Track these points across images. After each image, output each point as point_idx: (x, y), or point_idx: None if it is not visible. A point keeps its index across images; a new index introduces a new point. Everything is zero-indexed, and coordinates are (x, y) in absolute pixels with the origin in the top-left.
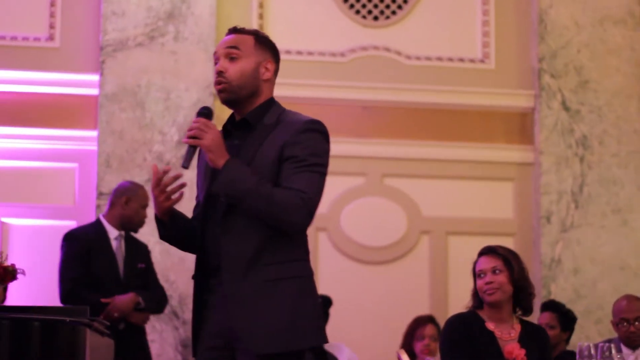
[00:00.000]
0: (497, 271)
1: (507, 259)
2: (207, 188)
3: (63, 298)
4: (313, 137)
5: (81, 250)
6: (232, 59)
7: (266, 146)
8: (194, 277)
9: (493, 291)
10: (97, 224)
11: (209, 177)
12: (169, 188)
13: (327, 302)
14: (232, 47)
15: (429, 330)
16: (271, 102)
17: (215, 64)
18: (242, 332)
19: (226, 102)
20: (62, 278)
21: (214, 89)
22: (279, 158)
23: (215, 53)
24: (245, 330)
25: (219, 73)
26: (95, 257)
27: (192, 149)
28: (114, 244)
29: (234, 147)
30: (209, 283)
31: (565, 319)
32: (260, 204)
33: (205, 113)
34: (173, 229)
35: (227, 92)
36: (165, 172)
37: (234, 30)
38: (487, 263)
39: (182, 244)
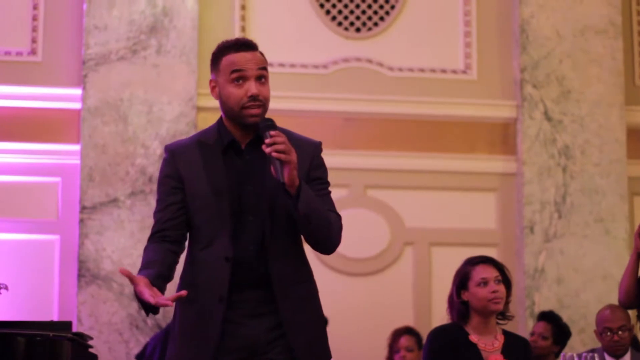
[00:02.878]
0: (498, 281)
1: (503, 269)
2: (232, 203)
3: None
4: (323, 160)
5: None
6: (262, 81)
7: None
8: (200, 296)
9: (499, 300)
10: None
11: (232, 191)
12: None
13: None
14: (263, 68)
15: (404, 341)
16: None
17: (236, 79)
18: (292, 342)
19: (254, 124)
20: None
21: (245, 111)
22: (306, 177)
23: (241, 71)
24: (295, 340)
25: (255, 97)
26: None
27: (280, 162)
28: None
29: (247, 162)
30: (231, 300)
31: (560, 332)
32: (323, 225)
33: (274, 125)
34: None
35: (261, 115)
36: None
37: (252, 47)
38: (490, 272)
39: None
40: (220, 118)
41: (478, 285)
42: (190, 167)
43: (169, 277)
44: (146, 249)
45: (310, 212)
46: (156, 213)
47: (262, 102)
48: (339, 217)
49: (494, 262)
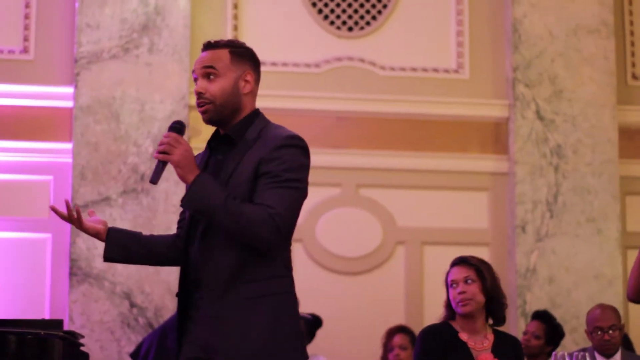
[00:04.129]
0: (469, 281)
1: (480, 269)
2: None
3: None
4: (290, 153)
5: None
6: (210, 78)
7: (245, 162)
8: (177, 293)
9: (466, 302)
10: None
11: None
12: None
13: (317, 322)
14: (208, 66)
15: (397, 339)
16: (254, 115)
17: (195, 81)
18: (221, 351)
19: (210, 122)
20: None
21: (198, 109)
22: (254, 174)
23: (193, 72)
24: (224, 349)
25: (199, 94)
26: None
27: (161, 164)
28: None
29: (217, 162)
30: (193, 298)
31: (553, 332)
32: (228, 220)
33: (177, 128)
34: (115, 246)
35: (210, 112)
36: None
37: (209, 46)
38: (459, 273)
39: (141, 260)
40: None
41: (450, 287)
42: None
43: (136, 237)
44: None
45: (200, 207)
46: None
47: (207, 99)
48: (266, 210)
49: (468, 262)
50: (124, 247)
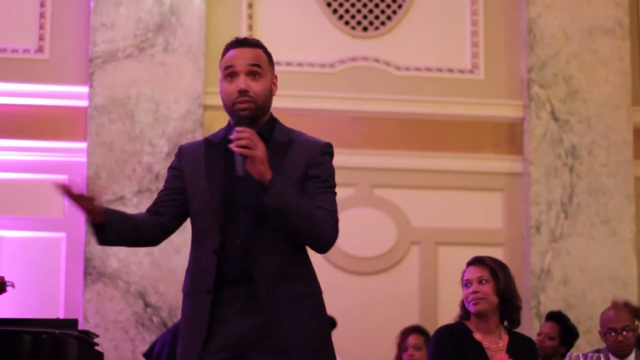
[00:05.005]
0: (483, 281)
1: (494, 269)
2: (225, 197)
3: None
4: (330, 160)
5: None
6: (255, 77)
7: (290, 163)
8: (194, 289)
9: (478, 301)
10: None
11: (226, 186)
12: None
13: (332, 323)
14: (255, 64)
15: (412, 340)
16: (274, 118)
17: (228, 76)
18: (266, 346)
19: (247, 120)
20: None
21: (235, 106)
22: (303, 176)
23: (231, 67)
24: (271, 344)
25: (244, 92)
26: None
27: (242, 157)
28: None
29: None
30: (222, 296)
31: (567, 333)
32: (304, 221)
33: (249, 122)
34: (113, 228)
35: (252, 110)
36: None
37: (245, 43)
38: (473, 273)
39: (131, 241)
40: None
41: (464, 286)
42: (193, 163)
43: (128, 218)
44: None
45: (283, 205)
46: (158, 193)
47: (251, 97)
48: (331, 215)
49: (483, 262)
50: (118, 232)
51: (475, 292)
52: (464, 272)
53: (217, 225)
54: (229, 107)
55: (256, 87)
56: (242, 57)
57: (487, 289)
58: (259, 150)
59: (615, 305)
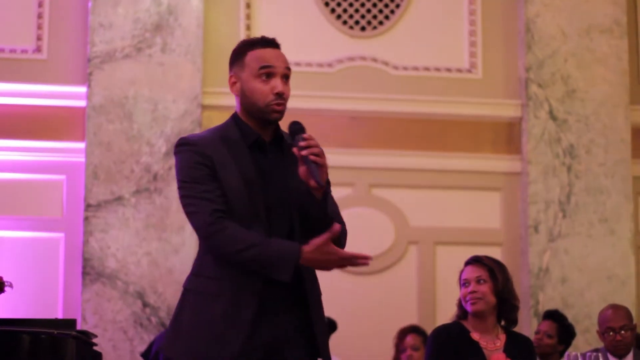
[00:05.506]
0: (481, 281)
1: (492, 269)
2: (264, 200)
3: None
4: None
5: None
6: (285, 80)
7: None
8: (222, 289)
9: (475, 300)
10: None
11: (263, 188)
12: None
13: (332, 326)
14: (289, 68)
15: (410, 340)
16: None
17: (264, 75)
18: (310, 340)
19: (274, 122)
20: None
21: (269, 107)
22: None
23: (270, 67)
24: (319, 339)
25: (281, 94)
26: None
27: (316, 166)
28: None
29: (270, 160)
30: (269, 291)
31: (565, 332)
32: (344, 225)
33: (303, 128)
34: None
35: (283, 114)
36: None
37: (278, 46)
38: (471, 272)
39: None
40: (234, 114)
41: (462, 286)
42: (221, 159)
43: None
44: (234, 229)
45: (335, 212)
46: (204, 192)
47: (285, 100)
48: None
49: (481, 262)
50: None
51: (473, 291)
52: (461, 271)
53: (262, 226)
54: (260, 107)
55: (288, 91)
56: (280, 59)
57: (485, 288)
58: (325, 158)
59: (613, 305)
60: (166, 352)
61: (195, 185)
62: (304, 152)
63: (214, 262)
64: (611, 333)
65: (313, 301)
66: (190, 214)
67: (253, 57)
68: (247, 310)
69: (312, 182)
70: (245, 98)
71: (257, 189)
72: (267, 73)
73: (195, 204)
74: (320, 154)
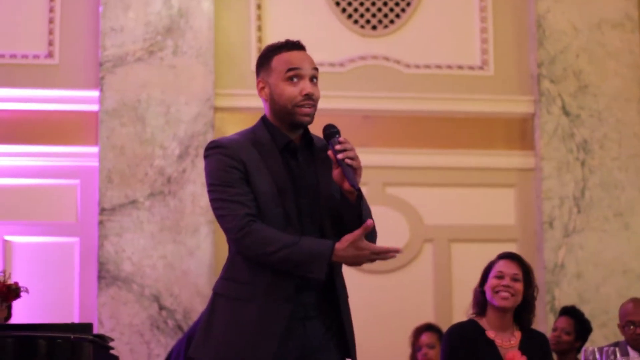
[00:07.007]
0: (517, 279)
1: (528, 271)
2: (296, 205)
3: None
4: None
5: None
6: (314, 81)
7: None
8: (252, 294)
9: (508, 295)
10: None
11: (295, 194)
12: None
13: None
14: (316, 69)
15: (425, 338)
16: None
17: (292, 77)
18: (343, 344)
19: (306, 124)
20: None
21: (298, 109)
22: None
23: (298, 69)
24: (350, 342)
25: (310, 96)
26: None
27: (351, 169)
28: None
29: (300, 164)
30: (302, 295)
31: (582, 328)
32: (375, 232)
33: (338, 132)
34: None
35: (312, 116)
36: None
37: (303, 48)
38: (509, 267)
39: None
40: (264, 118)
41: (494, 277)
42: (253, 163)
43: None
44: (265, 230)
45: (370, 215)
46: (235, 195)
47: (314, 102)
48: None
49: (520, 261)
50: None
51: (508, 286)
52: (493, 263)
53: (294, 231)
54: (288, 109)
55: (317, 92)
56: (308, 61)
57: (519, 287)
58: (359, 161)
59: (634, 298)
60: (195, 354)
61: (227, 189)
62: (339, 156)
63: (245, 266)
64: (632, 327)
65: (343, 305)
66: (221, 217)
67: (280, 61)
68: (279, 316)
69: (347, 185)
70: (274, 102)
71: (289, 194)
72: (294, 75)
73: (226, 207)
74: (355, 157)
